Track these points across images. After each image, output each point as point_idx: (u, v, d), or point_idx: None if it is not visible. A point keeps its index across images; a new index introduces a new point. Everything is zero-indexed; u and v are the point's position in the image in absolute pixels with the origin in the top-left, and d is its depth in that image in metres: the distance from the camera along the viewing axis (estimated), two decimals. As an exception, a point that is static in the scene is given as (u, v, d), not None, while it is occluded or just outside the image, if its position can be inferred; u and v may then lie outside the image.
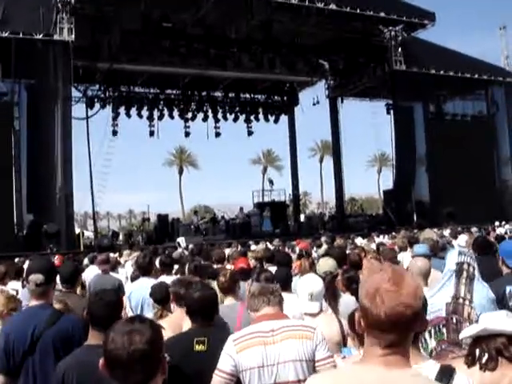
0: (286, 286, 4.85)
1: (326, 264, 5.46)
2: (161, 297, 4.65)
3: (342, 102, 32.99)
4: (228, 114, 32.93)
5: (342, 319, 4.04)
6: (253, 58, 27.36)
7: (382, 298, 1.60)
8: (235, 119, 33.33)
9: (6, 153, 20.43)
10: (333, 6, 24.07)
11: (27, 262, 9.04)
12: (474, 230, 16.80)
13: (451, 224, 22.46)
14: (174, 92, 31.53)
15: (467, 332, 2.36)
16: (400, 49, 27.32)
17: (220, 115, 32.75)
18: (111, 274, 8.02)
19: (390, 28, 26.88)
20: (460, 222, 22.61)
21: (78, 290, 5.63)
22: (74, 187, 21.44)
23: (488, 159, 30.38)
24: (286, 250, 12.23)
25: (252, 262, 7.52)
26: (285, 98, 35.07)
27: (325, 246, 10.93)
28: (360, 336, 2.46)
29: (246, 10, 23.44)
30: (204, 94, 31.86)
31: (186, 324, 3.67)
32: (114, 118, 29.90)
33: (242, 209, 27.45)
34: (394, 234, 18.09)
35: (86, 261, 11.32)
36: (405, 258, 8.01)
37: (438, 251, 7.55)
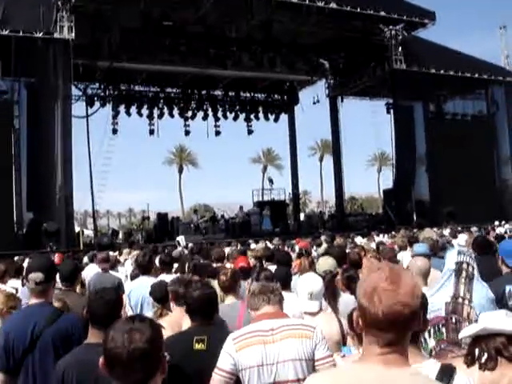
0: (286, 284, 4.85)
1: (326, 263, 5.46)
2: (160, 295, 4.65)
3: (342, 101, 32.98)
4: (228, 113, 32.93)
5: (341, 318, 4.04)
6: (253, 57, 27.35)
7: (379, 297, 1.60)
8: (235, 118, 33.33)
9: (5, 151, 20.44)
10: (333, 5, 24.06)
11: (27, 261, 9.04)
12: (473, 229, 16.80)
13: (451, 223, 22.48)
14: (174, 90, 31.53)
15: (466, 331, 2.36)
16: (400, 48, 27.31)
17: (220, 114, 32.76)
18: (111, 272, 8.02)
19: (391, 27, 26.86)
20: (460, 222, 22.64)
21: (78, 289, 5.63)
22: (73, 186, 21.47)
23: (488, 159, 30.38)
24: (286, 248, 12.24)
25: (252, 261, 7.52)
26: (285, 96, 35.07)
27: (324, 245, 10.94)
28: (359, 335, 2.46)
29: (246, 10, 23.42)
30: (204, 92, 31.87)
31: (186, 323, 3.67)
32: (114, 117, 29.92)
33: (241, 208, 27.45)
34: (393, 233, 18.11)
35: (85, 259, 11.33)
36: (404, 257, 8.02)
37: (437, 251, 7.56)
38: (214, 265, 7.20)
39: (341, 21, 25.56)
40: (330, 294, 4.55)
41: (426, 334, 2.97)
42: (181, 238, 19.52)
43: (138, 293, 5.84)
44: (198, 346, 3.25)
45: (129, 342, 1.81)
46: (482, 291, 3.50)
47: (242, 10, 23.53)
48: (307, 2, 23.57)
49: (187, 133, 32.70)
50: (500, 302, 3.92)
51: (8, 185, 20.29)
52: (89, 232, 32.24)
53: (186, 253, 11.50)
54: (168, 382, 2.15)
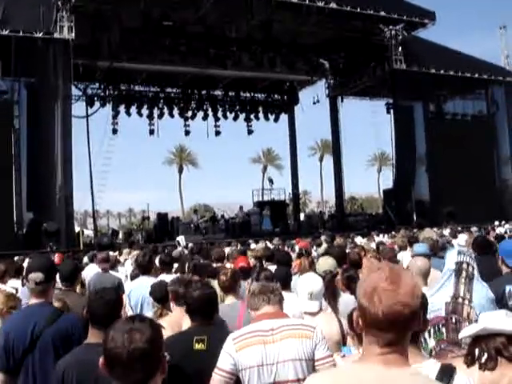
0: (286, 285, 4.85)
1: (326, 263, 5.46)
2: (160, 296, 4.65)
3: (342, 101, 32.98)
4: (228, 113, 32.93)
5: (341, 318, 4.04)
6: (253, 57, 27.36)
7: (379, 296, 1.60)
8: (235, 118, 33.33)
9: (5, 151, 20.44)
10: (333, 5, 24.06)
11: (27, 260, 9.04)
12: (473, 229, 16.80)
13: (451, 223, 22.48)
14: (174, 90, 31.53)
15: (466, 331, 2.36)
16: (400, 48, 27.30)
17: (220, 114, 32.76)
18: (111, 272, 8.02)
19: (391, 27, 26.87)
20: (460, 222, 22.65)
21: (78, 289, 5.63)
22: (73, 186, 21.47)
23: (488, 159, 30.38)
24: (286, 249, 12.24)
25: (252, 261, 7.52)
26: (285, 96, 35.07)
27: (325, 245, 10.94)
28: (359, 335, 2.46)
29: (246, 10, 23.42)
30: (204, 92, 31.87)
31: (186, 323, 3.67)
32: (114, 117, 29.92)
33: (241, 208, 27.45)
34: (393, 233, 18.11)
35: (85, 259, 11.32)
36: (404, 257, 8.02)
37: (437, 251, 7.56)
38: (214, 265, 7.20)
39: (341, 21, 25.56)
40: (330, 294, 4.55)
41: (426, 334, 2.97)
42: (181, 238, 19.52)
43: (138, 293, 5.84)
44: (198, 346, 3.25)
45: (129, 342, 1.81)
46: (482, 291, 3.50)
47: (241, 10, 23.53)
48: (307, 2, 23.57)
49: (187, 133, 32.71)
50: (500, 302, 3.92)
51: (8, 185, 20.29)
52: (89, 232, 32.25)
53: (186, 253, 11.50)
54: (168, 382, 2.15)
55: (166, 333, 3.19)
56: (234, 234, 23.69)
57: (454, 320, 3.04)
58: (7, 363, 3.42)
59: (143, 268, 6.33)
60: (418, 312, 1.63)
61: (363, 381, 1.61)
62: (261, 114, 34.12)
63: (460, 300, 3.13)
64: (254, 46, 27.18)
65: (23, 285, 5.46)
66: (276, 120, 34.78)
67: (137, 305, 5.81)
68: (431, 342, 2.96)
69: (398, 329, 1.61)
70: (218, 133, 33.35)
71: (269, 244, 14.37)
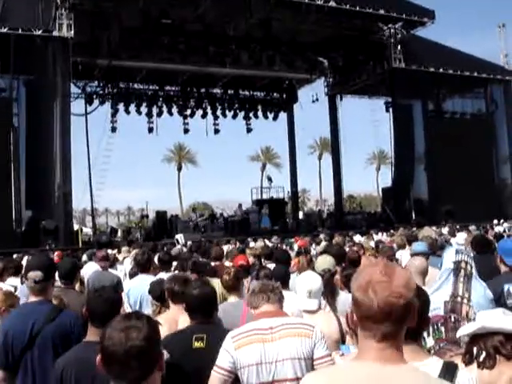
0: (284, 283, 4.85)
1: (325, 261, 5.46)
2: (159, 294, 4.65)
3: (341, 99, 32.99)
4: (227, 111, 32.93)
5: (340, 317, 4.05)
6: (252, 55, 27.36)
7: (374, 288, 1.61)
8: (234, 116, 33.34)
9: (4, 149, 20.42)
10: (332, 3, 24.07)
11: (25, 258, 9.04)
12: (472, 228, 16.81)
13: (450, 222, 22.50)
14: (173, 89, 31.52)
15: (464, 330, 2.36)
16: (399, 46, 27.33)
17: (219, 112, 32.75)
18: (110, 270, 8.01)
19: (390, 25, 26.89)
20: (458, 220, 22.67)
21: (77, 287, 5.63)
22: (72, 183, 21.47)
23: (487, 157, 30.42)
24: (284, 247, 12.25)
25: (251, 259, 7.52)
26: (284, 95, 35.07)
27: (324, 243, 10.94)
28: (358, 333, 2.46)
29: (244, 8, 23.42)
30: (203, 90, 31.87)
31: (182, 319, 3.68)
32: (113, 115, 29.92)
33: (240, 206, 27.46)
34: (392, 231, 18.12)
35: (84, 257, 11.31)
36: (403, 255, 8.03)
37: (436, 249, 7.55)
38: (213, 263, 7.20)
39: (340, 19, 25.58)
40: (329, 292, 4.55)
41: (425, 333, 2.98)
42: (180, 236, 19.55)
43: (136, 291, 5.84)
44: (197, 344, 3.25)
45: (126, 339, 1.80)
46: (480, 290, 3.50)
47: (240, 9, 23.53)
48: (306, 0, 23.57)
49: (186, 131, 32.73)
50: (498, 300, 3.92)
51: (7, 182, 20.28)
52: (87, 230, 32.20)
53: (185, 251, 11.50)
54: (167, 380, 2.15)
55: (163, 330, 3.18)
56: (232, 232, 23.68)
57: (452, 319, 3.04)
58: (6, 361, 3.43)
59: (142, 266, 6.33)
60: (413, 304, 1.64)
61: (359, 379, 1.61)
62: (260, 113, 34.15)
63: (459, 299, 3.13)
64: (253, 45, 27.17)
65: (22, 283, 5.47)
66: (275, 118, 34.80)
67: (136, 303, 5.81)
68: (430, 341, 2.96)
69: (394, 321, 1.61)
70: (216, 131, 33.36)
71: (267, 242, 14.37)
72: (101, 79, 28.77)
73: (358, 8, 24.71)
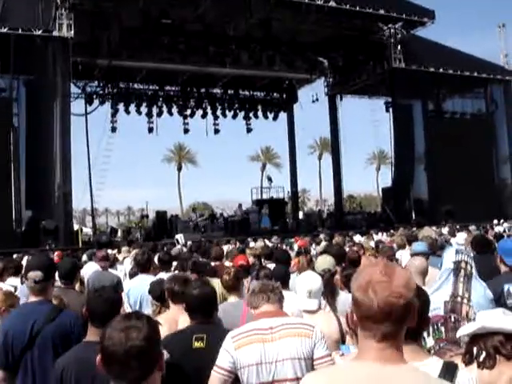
0: (284, 283, 4.84)
1: (325, 261, 5.46)
2: (159, 294, 4.65)
3: (341, 99, 33.00)
4: (227, 111, 32.93)
5: (340, 317, 4.05)
6: (252, 55, 27.37)
7: (374, 288, 1.61)
8: (234, 116, 33.34)
9: (4, 149, 20.43)
10: (332, 3, 24.08)
11: (25, 258, 9.04)
12: (472, 228, 16.81)
13: (450, 222, 22.50)
14: (173, 89, 31.52)
15: (464, 330, 2.36)
16: (399, 46, 27.33)
17: (219, 112, 32.76)
18: (110, 270, 8.01)
19: (390, 25, 26.89)
20: (458, 220, 22.67)
21: (77, 287, 5.63)
22: (72, 183, 21.48)
23: (487, 157, 30.42)
24: (284, 247, 12.25)
25: (251, 259, 7.52)
26: (284, 95, 35.07)
27: (324, 243, 10.94)
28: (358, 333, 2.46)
29: (244, 8, 23.42)
30: (203, 90, 31.88)
31: (182, 319, 3.68)
32: (113, 115, 29.92)
33: (240, 206, 27.46)
34: (392, 231, 18.12)
35: (84, 257, 11.31)
36: (403, 255, 8.02)
37: (436, 249, 7.55)
38: (213, 263, 7.20)
39: (340, 19, 25.59)
40: (329, 292, 4.55)
41: (425, 333, 2.98)
42: (180, 236, 19.55)
43: (136, 291, 5.84)
44: (197, 344, 3.25)
45: (125, 339, 1.80)
46: (480, 290, 3.50)
47: (240, 9, 23.53)
48: (306, 0, 23.57)
49: (186, 131, 32.73)
50: (498, 300, 3.92)
51: (7, 182, 20.28)
52: (87, 230, 32.20)
53: (185, 251, 11.50)
54: (167, 380, 2.15)
55: (163, 330, 3.18)
56: (232, 232, 23.68)
57: (452, 319, 3.04)
58: (6, 361, 3.43)
59: (142, 266, 6.33)
60: (413, 304, 1.64)
61: (359, 379, 1.61)
62: (260, 113, 34.15)
63: (459, 299, 3.13)
64: (253, 45, 27.18)
65: (22, 283, 5.47)
66: (275, 118, 34.80)
67: (136, 303, 5.81)
68: (430, 341, 2.96)
69: (394, 321, 1.62)
70: (216, 131, 33.37)
71: (267, 242, 14.37)
72: (101, 79, 28.77)
73: (357, 8, 24.72)
